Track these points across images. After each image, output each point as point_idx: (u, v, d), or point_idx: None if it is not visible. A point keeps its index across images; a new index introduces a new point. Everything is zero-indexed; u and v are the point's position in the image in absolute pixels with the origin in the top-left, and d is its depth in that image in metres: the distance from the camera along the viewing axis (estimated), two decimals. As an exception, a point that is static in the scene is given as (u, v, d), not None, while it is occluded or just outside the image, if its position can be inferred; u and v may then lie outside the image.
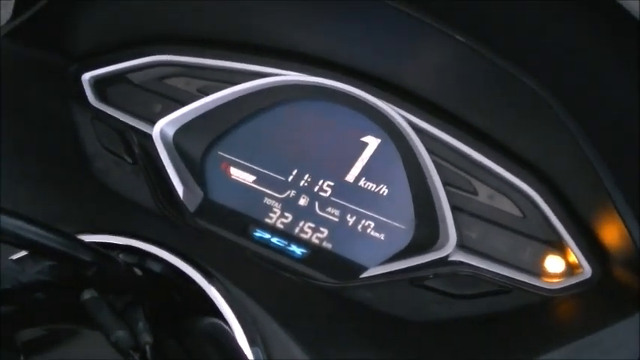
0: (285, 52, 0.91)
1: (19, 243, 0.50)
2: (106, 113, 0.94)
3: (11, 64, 0.89)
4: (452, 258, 0.80)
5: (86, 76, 0.96)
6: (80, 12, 0.91)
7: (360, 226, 0.86)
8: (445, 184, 0.83)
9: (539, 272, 0.80)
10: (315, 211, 0.87)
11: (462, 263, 0.80)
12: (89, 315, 0.54)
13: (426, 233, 0.82)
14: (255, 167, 0.90)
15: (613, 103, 0.71)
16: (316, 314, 0.76)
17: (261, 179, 0.89)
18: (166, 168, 0.88)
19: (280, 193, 0.89)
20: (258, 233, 0.86)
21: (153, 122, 0.90)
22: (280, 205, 0.88)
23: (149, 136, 0.90)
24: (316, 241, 0.86)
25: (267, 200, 0.89)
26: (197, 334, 0.57)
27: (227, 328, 0.60)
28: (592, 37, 0.69)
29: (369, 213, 0.86)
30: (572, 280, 0.78)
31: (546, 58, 0.73)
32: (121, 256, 0.61)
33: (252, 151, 0.90)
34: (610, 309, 0.71)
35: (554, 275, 0.80)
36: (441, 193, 0.82)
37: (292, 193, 0.88)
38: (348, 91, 0.88)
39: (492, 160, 0.83)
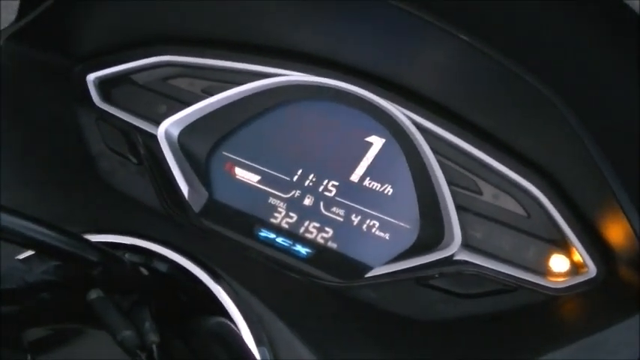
0: (289, 52, 0.91)
1: (26, 243, 0.50)
2: (111, 114, 0.94)
3: (16, 66, 0.90)
4: (457, 257, 0.80)
5: (91, 77, 0.96)
6: (84, 13, 0.92)
7: (364, 226, 0.86)
8: (450, 183, 0.83)
9: (544, 271, 0.80)
10: (320, 210, 0.87)
11: (466, 262, 0.80)
12: (95, 315, 0.54)
13: (431, 233, 0.82)
14: (260, 167, 0.90)
15: (617, 102, 0.71)
16: (322, 314, 0.76)
17: (265, 179, 0.90)
18: (171, 168, 0.88)
19: (285, 193, 0.89)
20: (263, 233, 0.86)
21: (157, 123, 0.90)
22: (285, 205, 0.88)
23: (154, 137, 0.90)
24: (321, 241, 0.86)
25: (272, 200, 0.89)
26: (204, 334, 0.58)
27: (234, 327, 0.60)
28: (596, 36, 0.69)
29: (373, 213, 0.86)
30: (577, 280, 0.78)
31: (551, 57, 0.73)
32: (127, 255, 0.61)
33: (256, 151, 0.91)
34: (615, 308, 0.71)
35: (559, 274, 0.80)
36: (446, 193, 0.82)
37: (297, 193, 0.88)
38: (353, 91, 0.88)
39: (497, 160, 0.83)
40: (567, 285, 0.78)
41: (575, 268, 0.79)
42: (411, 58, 0.87)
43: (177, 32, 0.95)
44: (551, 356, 0.64)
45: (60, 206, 0.79)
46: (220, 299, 0.62)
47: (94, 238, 0.63)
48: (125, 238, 0.65)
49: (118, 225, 0.71)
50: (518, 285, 0.79)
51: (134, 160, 0.91)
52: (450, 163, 0.85)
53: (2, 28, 0.89)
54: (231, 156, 0.91)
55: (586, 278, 0.78)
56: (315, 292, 0.80)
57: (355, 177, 0.87)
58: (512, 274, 0.79)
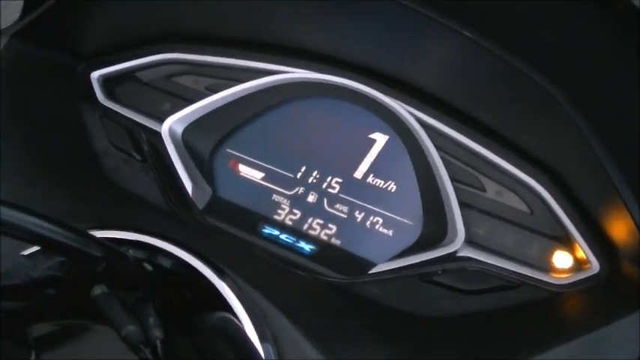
0: (293, 50, 0.91)
1: (31, 239, 0.51)
2: (115, 111, 0.94)
3: (20, 64, 0.90)
4: (460, 254, 0.81)
5: (95, 75, 0.96)
6: (88, 11, 0.92)
7: (368, 223, 0.86)
8: (453, 180, 0.83)
9: (547, 268, 0.80)
10: (324, 207, 0.87)
11: (470, 259, 0.80)
12: (100, 310, 0.55)
13: (434, 229, 0.83)
14: (264, 164, 0.90)
15: (621, 100, 0.71)
16: (325, 310, 0.77)
17: (269, 176, 0.90)
18: (175, 165, 0.88)
19: (289, 190, 0.89)
20: (267, 230, 0.87)
21: (161, 120, 0.91)
22: (289, 201, 0.88)
23: (158, 134, 0.90)
24: (325, 238, 0.86)
25: (275, 197, 0.89)
26: (207, 330, 0.58)
27: (237, 323, 0.60)
28: (601, 35, 0.69)
29: (377, 209, 0.86)
30: (580, 276, 0.78)
31: (555, 55, 0.73)
32: (130, 251, 0.61)
33: (260, 149, 0.91)
34: (618, 304, 0.71)
35: (562, 271, 0.80)
36: (449, 190, 0.82)
37: (301, 189, 0.89)
38: (356, 89, 0.88)
39: (500, 157, 0.83)
40: (570, 281, 0.79)
41: (578, 265, 0.80)
42: (415, 55, 0.87)
43: (182, 30, 0.95)
44: (555, 352, 0.64)
45: (65, 203, 0.79)
46: (224, 295, 0.62)
47: (99, 234, 0.63)
48: (129, 234, 0.65)
49: (122, 221, 0.71)
50: (522, 281, 0.79)
51: (138, 158, 0.91)
52: (453, 160, 0.85)
53: (6, 26, 0.89)
54: (235, 153, 0.91)
55: (589, 274, 0.78)
56: (318, 289, 0.81)
57: (359, 174, 0.87)
58: (516, 270, 0.79)
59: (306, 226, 0.87)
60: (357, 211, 0.86)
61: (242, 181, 0.90)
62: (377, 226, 0.85)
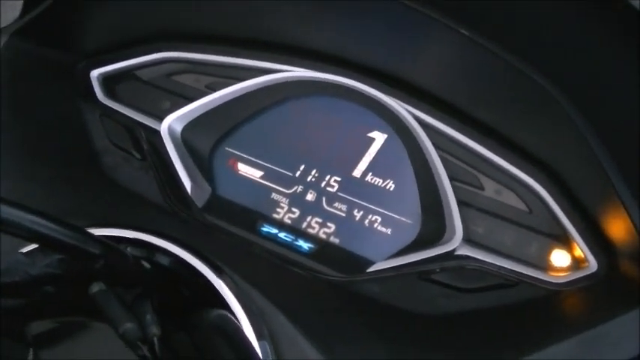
0: (293, 49, 0.91)
1: (29, 236, 0.51)
2: (115, 110, 0.94)
3: (20, 63, 0.90)
4: (458, 252, 0.81)
5: (94, 73, 0.96)
6: (88, 9, 0.92)
7: (367, 221, 0.86)
8: (452, 178, 0.83)
9: (546, 266, 0.80)
10: (323, 206, 0.88)
11: (468, 257, 0.81)
12: (98, 308, 0.55)
13: (433, 228, 0.83)
14: (263, 163, 0.90)
15: (620, 99, 0.71)
16: (324, 308, 0.77)
17: (268, 175, 0.90)
18: (174, 164, 0.88)
19: (288, 189, 0.89)
20: (266, 228, 0.87)
21: (161, 118, 0.91)
22: (288, 200, 0.89)
23: (157, 133, 0.90)
24: (323, 236, 0.86)
25: (274, 196, 0.89)
26: (205, 327, 0.58)
27: (235, 320, 0.60)
28: (599, 33, 0.69)
29: (376, 208, 0.86)
30: (578, 274, 0.78)
31: (554, 54, 0.73)
32: (129, 249, 0.61)
33: (259, 147, 0.91)
34: (616, 302, 0.71)
35: (561, 269, 0.80)
36: (448, 188, 0.82)
37: (299, 188, 0.89)
38: (355, 87, 0.88)
39: (499, 155, 0.83)
40: (568, 280, 0.79)
41: (577, 263, 0.80)
42: (414, 54, 0.87)
43: (182, 28, 0.95)
44: (552, 350, 0.64)
45: (64, 201, 0.80)
46: (222, 293, 0.62)
47: (97, 231, 0.63)
48: (127, 232, 0.66)
49: (121, 219, 0.71)
50: (520, 280, 0.79)
51: (138, 156, 0.91)
52: (452, 158, 0.85)
53: (6, 25, 0.90)
54: (234, 152, 0.91)
55: (587, 273, 0.78)
56: (317, 287, 0.81)
57: (357, 172, 0.87)
58: (514, 268, 0.80)
59: (304, 225, 0.87)
60: (356, 210, 0.86)
61: (241, 179, 0.90)
62: (375, 225, 0.85)
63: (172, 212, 0.87)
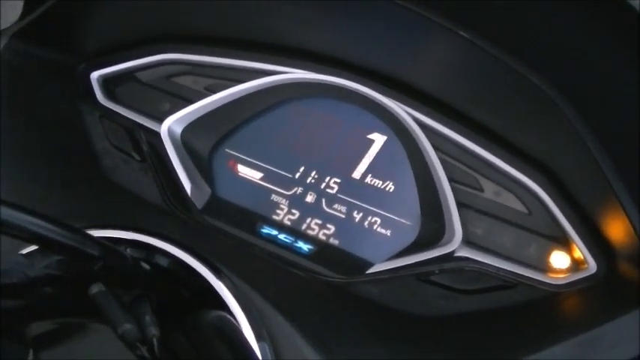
0: (292, 50, 0.91)
1: (28, 237, 0.51)
2: (115, 111, 0.94)
3: (20, 64, 0.90)
4: (457, 254, 0.81)
5: (95, 75, 0.96)
6: (88, 11, 0.92)
7: (366, 223, 0.86)
8: (451, 180, 0.83)
9: (545, 268, 0.81)
10: (322, 207, 0.88)
11: (467, 259, 0.81)
12: (97, 309, 0.55)
13: (432, 229, 0.83)
14: (263, 164, 0.90)
15: (619, 101, 0.71)
16: (323, 309, 0.77)
17: (268, 176, 0.90)
18: (174, 165, 0.89)
19: (287, 190, 0.89)
20: (266, 230, 0.87)
21: (161, 120, 0.91)
22: (287, 201, 0.89)
23: (157, 134, 0.90)
24: (323, 238, 0.86)
25: (274, 197, 0.89)
26: (204, 328, 0.58)
27: (234, 322, 0.60)
28: (598, 35, 0.69)
29: (375, 209, 0.86)
30: (578, 276, 0.78)
31: (553, 56, 0.73)
32: (128, 250, 0.61)
33: (259, 149, 0.91)
34: (615, 303, 0.72)
35: (560, 271, 0.80)
36: (447, 190, 0.82)
37: (299, 190, 0.89)
38: (355, 89, 0.88)
39: (498, 157, 0.84)
40: (568, 281, 0.79)
41: (576, 265, 0.80)
42: (414, 56, 0.87)
43: (181, 30, 0.95)
44: (551, 351, 0.64)
45: (64, 202, 0.80)
46: (221, 294, 0.62)
47: (96, 233, 0.63)
48: (127, 234, 0.66)
49: (121, 221, 0.71)
50: (519, 281, 0.79)
51: (137, 157, 0.92)
52: (451, 160, 0.85)
53: (7, 26, 0.90)
54: (234, 153, 0.91)
55: (586, 274, 0.78)
56: (316, 288, 0.81)
57: (357, 174, 0.88)
58: (513, 270, 0.80)
59: (304, 226, 0.87)
60: (356, 211, 0.87)
61: (241, 181, 0.90)
62: (375, 226, 0.86)
63: (172, 213, 0.87)
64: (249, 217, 0.88)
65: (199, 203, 0.88)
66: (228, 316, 0.60)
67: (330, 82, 0.89)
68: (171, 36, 0.96)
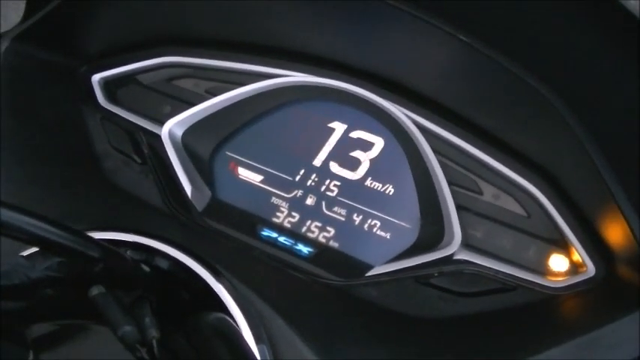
0: (293, 54, 0.92)
1: (29, 239, 0.51)
2: (116, 114, 0.95)
3: (22, 67, 0.90)
4: (457, 256, 0.81)
5: (96, 78, 0.97)
6: (90, 14, 0.92)
7: (366, 225, 0.86)
8: (450, 183, 0.83)
9: (544, 271, 0.81)
10: (322, 210, 0.88)
11: (466, 262, 0.81)
12: (97, 310, 0.55)
13: (432, 232, 0.83)
14: (263, 167, 0.91)
15: (617, 105, 0.71)
16: (322, 312, 0.77)
17: (268, 179, 0.90)
18: (175, 168, 0.89)
19: (287, 193, 0.89)
20: (266, 232, 0.87)
21: (162, 123, 0.91)
22: (287, 204, 0.89)
23: (158, 137, 0.91)
24: (323, 240, 0.86)
25: (274, 200, 0.89)
26: (203, 330, 0.58)
27: (233, 324, 0.61)
28: (597, 39, 0.69)
29: (375, 212, 0.86)
30: (576, 279, 0.78)
31: (552, 60, 0.74)
32: (128, 252, 0.62)
33: (259, 151, 0.91)
34: (614, 306, 0.72)
35: (559, 274, 0.80)
36: (447, 193, 0.83)
37: (299, 192, 0.89)
38: (355, 92, 0.89)
39: (497, 160, 0.84)
40: (566, 284, 0.79)
41: (575, 268, 0.80)
42: (413, 59, 0.87)
43: (182, 33, 0.96)
44: (550, 353, 0.64)
45: (65, 204, 0.80)
46: (220, 296, 0.63)
47: (97, 235, 0.64)
48: (127, 236, 0.66)
49: (122, 223, 0.72)
50: (518, 284, 0.80)
51: (138, 160, 0.92)
52: (450, 163, 0.85)
53: (8, 29, 0.90)
54: (235, 156, 0.92)
55: (585, 277, 0.78)
56: (316, 291, 0.81)
57: (357, 177, 0.88)
58: (512, 273, 0.80)
59: (304, 229, 0.87)
60: (355, 214, 0.87)
61: (241, 183, 0.91)
62: (375, 229, 0.86)
63: (172, 216, 0.88)
64: (250, 219, 0.88)
65: (200, 206, 0.88)
66: (228, 318, 0.61)
67: (330, 85, 0.89)
68: (172, 39, 0.96)
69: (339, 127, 0.90)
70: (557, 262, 0.80)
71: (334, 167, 0.89)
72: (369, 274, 0.82)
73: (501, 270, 0.80)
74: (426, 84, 0.87)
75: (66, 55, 0.96)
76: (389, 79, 0.88)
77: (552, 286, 0.79)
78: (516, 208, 0.83)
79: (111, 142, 0.93)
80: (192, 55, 0.95)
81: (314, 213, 0.88)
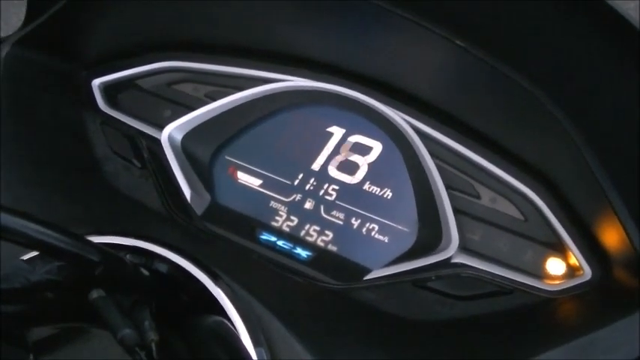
0: (292, 58, 0.92)
1: (29, 243, 0.52)
2: (116, 118, 0.95)
3: (22, 71, 0.91)
4: (454, 260, 0.81)
5: (96, 82, 0.97)
6: (90, 19, 0.93)
7: (364, 229, 0.86)
8: (448, 187, 0.84)
9: (541, 274, 0.81)
10: (321, 214, 0.88)
11: (464, 265, 0.81)
12: (97, 314, 0.56)
13: (429, 236, 0.83)
14: (262, 171, 0.91)
15: (613, 110, 0.71)
16: (321, 315, 0.77)
17: (267, 183, 0.91)
18: (174, 172, 0.89)
19: (286, 197, 0.90)
20: (265, 236, 0.87)
21: (161, 127, 0.91)
22: (286, 208, 0.89)
23: (157, 141, 0.91)
24: (321, 244, 0.87)
25: (273, 204, 0.90)
26: (202, 333, 0.59)
27: (231, 327, 0.61)
28: (594, 44, 0.69)
29: (373, 216, 0.87)
30: (573, 282, 0.79)
31: (549, 65, 0.74)
32: (128, 256, 0.62)
33: (258, 156, 0.92)
34: (610, 309, 0.72)
35: (555, 277, 0.80)
36: (444, 197, 0.83)
37: (298, 196, 0.89)
38: (353, 97, 0.89)
39: (495, 164, 0.84)
40: (563, 287, 0.79)
41: (572, 271, 0.80)
42: (411, 64, 0.88)
43: (182, 38, 0.96)
44: (547, 355, 0.64)
45: (65, 209, 0.80)
46: (219, 300, 0.63)
47: (96, 239, 0.64)
48: (127, 240, 0.66)
49: (121, 227, 0.72)
50: (515, 287, 0.80)
51: (138, 164, 0.92)
52: (448, 167, 0.85)
53: (9, 34, 0.91)
54: (234, 160, 0.92)
55: (582, 281, 0.78)
56: (314, 294, 0.81)
57: (355, 181, 0.88)
58: (509, 276, 0.80)
59: (303, 233, 0.88)
60: (354, 218, 0.87)
61: (240, 187, 0.91)
62: (373, 233, 0.86)
63: (172, 220, 0.88)
64: (249, 223, 0.89)
65: (199, 210, 0.89)
66: (226, 322, 0.61)
67: (329, 89, 0.90)
68: (172, 44, 0.96)
69: (337, 132, 0.90)
70: (554, 266, 0.81)
71: (332, 171, 0.89)
72: (367, 277, 0.82)
73: (498, 273, 0.80)
74: (423, 88, 0.87)
75: (66, 59, 0.96)
76: (387, 83, 0.88)
77: (549, 289, 0.79)
78: (513, 212, 0.83)
79: (111, 146, 0.93)
80: (191, 60, 0.96)
81: (312, 217, 0.88)
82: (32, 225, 0.50)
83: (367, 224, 0.86)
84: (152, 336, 0.55)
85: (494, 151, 0.84)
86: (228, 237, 0.87)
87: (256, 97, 0.92)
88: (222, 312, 0.62)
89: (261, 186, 0.91)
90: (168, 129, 0.90)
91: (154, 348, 0.54)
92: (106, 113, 0.96)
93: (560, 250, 0.81)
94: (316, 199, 0.89)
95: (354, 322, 0.78)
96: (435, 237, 0.83)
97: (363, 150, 0.89)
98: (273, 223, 0.89)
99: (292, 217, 0.89)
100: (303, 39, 0.91)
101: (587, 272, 0.78)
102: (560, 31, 0.71)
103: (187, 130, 0.91)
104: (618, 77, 0.69)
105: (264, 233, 0.88)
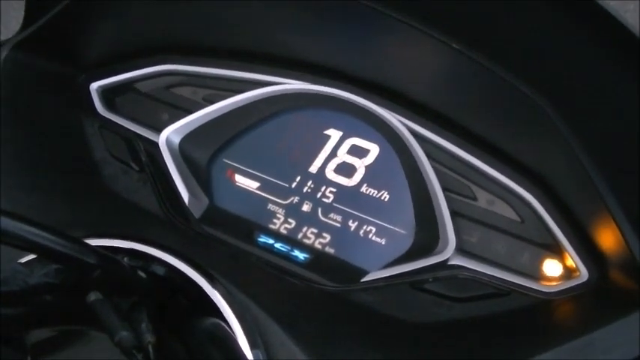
0: (289, 62, 0.92)
1: (27, 246, 0.52)
2: (114, 122, 0.95)
3: (20, 75, 0.91)
4: (451, 262, 0.81)
5: (94, 86, 0.97)
6: (88, 22, 0.93)
7: (361, 232, 0.87)
8: (445, 189, 0.84)
9: (538, 276, 0.81)
10: (318, 216, 0.88)
11: (461, 267, 0.81)
12: (95, 316, 0.56)
13: (426, 238, 0.83)
14: (260, 174, 0.91)
15: (610, 113, 0.72)
16: (318, 317, 0.77)
17: (265, 186, 0.91)
18: (172, 175, 0.89)
19: (284, 200, 0.90)
20: (262, 239, 0.87)
21: (159, 130, 0.91)
22: (284, 211, 0.89)
23: (156, 144, 0.91)
24: (319, 246, 0.87)
25: (271, 206, 0.90)
26: (199, 335, 0.59)
27: (228, 329, 0.61)
28: (591, 48, 0.70)
29: (370, 218, 0.87)
30: (570, 283, 0.79)
31: (545, 67, 0.74)
32: (125, 259, 0.62)
33: (256, 159, 0.92)
34: (607, 310, 0.72)
35: (552, 278, 0.80)
36: (441, 199, 0.83)
37: (296, 199, 0.90)
38: (350, 100, 0.89)
39: (492, 167, 0.84)
40: (560, 289, 0.79)
41: (568, 273, 0.80)
42: (408, 67, 0.88)
43: (180, 42, 0.96)
44: (544, 356, 0.65)
45: (63, 212, 0.81)
46: (216, 302, 0.63)
47: (94, 242, 0.64)
48: (124, 242, 0.67)
49: (119, 230, 0.72)
50: (512, 289, 0.80)
51: (136, 168, 0.92)
52: (445, 169, 0.86)
53: (7, 37, 0.91)
54: (232, 163, 0.92)
55: (578, 282, 0.79)
56: (312, 296, 0.81)
57: (352, 183, 0.88)
58: (506, 278, 0.80)
59: (300, 235, 0.88)
60: (351, 220, 0.87)
61: (238, 190, 0.91)
62: (370, 235, 0.86)
63: (170, 223, 0.88)
64: (247, 226, 0.89)
65: (197, 212, 0.89)
66: (223, 324, 0.61)
67: (326, 92, 0.90)
68: (170, 47, 0.96)
69: (334, 134, 0.90)
70: (551, 267, 0.81)
71: (330, 174, 0.89)
72: (365, 279, 0.82)
73: (495, 275, 0.80)
74: (420, 91, 0.87)
75: (64, 63, 0.97)
76: (384, 86, 0.88)
77: (546, 290, 0.79)
78: (510, 214, 0.84)
79: (109, 149, 0.93)
80: (189, 63, 0.96)
81: (310, 219, 0.88)
82: (30, 228, 0.50)
83: (364, 226, 0.87)
84: (149, 338, 0.55)
85: (491, 153, 0.85)
86: (226, 240, 0.87)
87: (254, 100, 0.92)
88: (219, 314, 0.63)
89: (258, 189, 0.91)
90: (166, 132, 0.90)
91: (151, 350, 0.55)
92: (104, 117, 0.96)
93: (556, 251, 0.81)
94: (314, 201, 0.89)
95: (351, 324, 0.78)
96: (432, 239, 0.83)
97: (361, 152, 0.89)
98: (271, 226, 0.89)
99: (290, 220, 0.89)
100: (301, 42, 0.91)
101: (583, 274, 0.79)
102: (558, 35, 0.71)
103: (185, 133, 0.92)
104: (615, 81, 0.70)
105: (261, 236, 0.88)
